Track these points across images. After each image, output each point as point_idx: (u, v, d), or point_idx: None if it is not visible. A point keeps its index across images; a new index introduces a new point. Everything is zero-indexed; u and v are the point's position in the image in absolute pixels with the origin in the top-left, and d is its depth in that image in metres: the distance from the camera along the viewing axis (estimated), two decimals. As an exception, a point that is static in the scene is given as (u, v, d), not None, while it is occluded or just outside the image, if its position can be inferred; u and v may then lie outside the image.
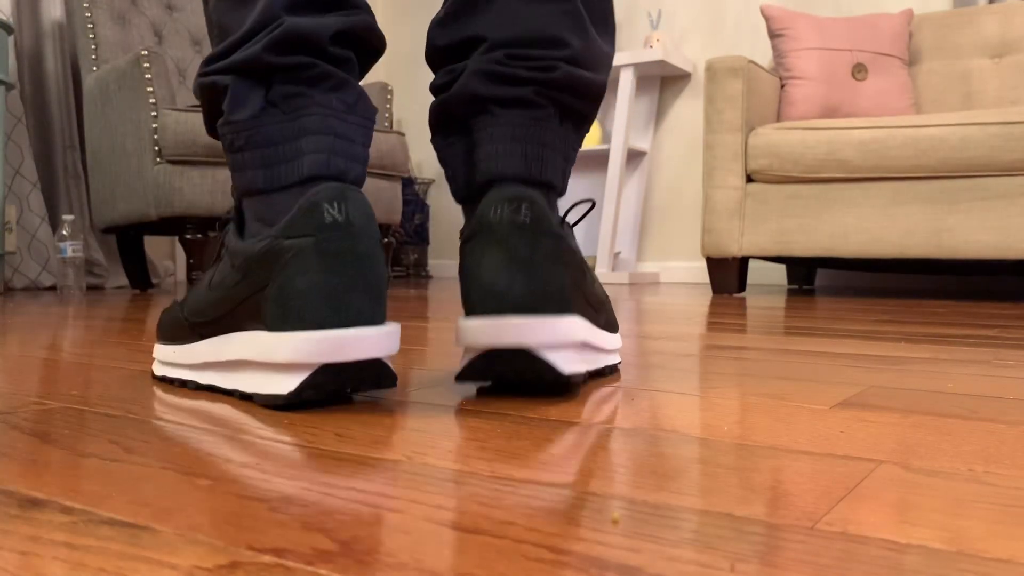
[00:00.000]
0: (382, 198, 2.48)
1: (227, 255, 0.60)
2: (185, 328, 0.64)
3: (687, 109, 3.29)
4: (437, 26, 0.67)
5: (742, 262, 2.35)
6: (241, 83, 0.57)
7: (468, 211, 0.66)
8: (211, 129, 0.64)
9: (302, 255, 0.52)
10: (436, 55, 0.67)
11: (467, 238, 0.60)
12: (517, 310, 0.57)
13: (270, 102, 0.57)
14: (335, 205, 0.53)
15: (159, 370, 0.68)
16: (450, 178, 0.66)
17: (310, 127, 0.56)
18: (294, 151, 0.56)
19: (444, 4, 0.67)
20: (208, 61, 0.59)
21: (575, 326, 0.59)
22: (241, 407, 0.56)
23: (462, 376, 0.61)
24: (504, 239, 0.57)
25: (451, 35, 0.66)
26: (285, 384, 0.54)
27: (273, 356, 0.53)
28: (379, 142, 2.40)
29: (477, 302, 0.58)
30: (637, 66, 3.17)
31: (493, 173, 0.61)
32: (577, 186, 3.58)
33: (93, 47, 2.51)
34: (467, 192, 0.65)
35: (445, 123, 0.66)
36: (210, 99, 0.60)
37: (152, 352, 0.81)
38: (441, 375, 0.72)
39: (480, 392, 0.63)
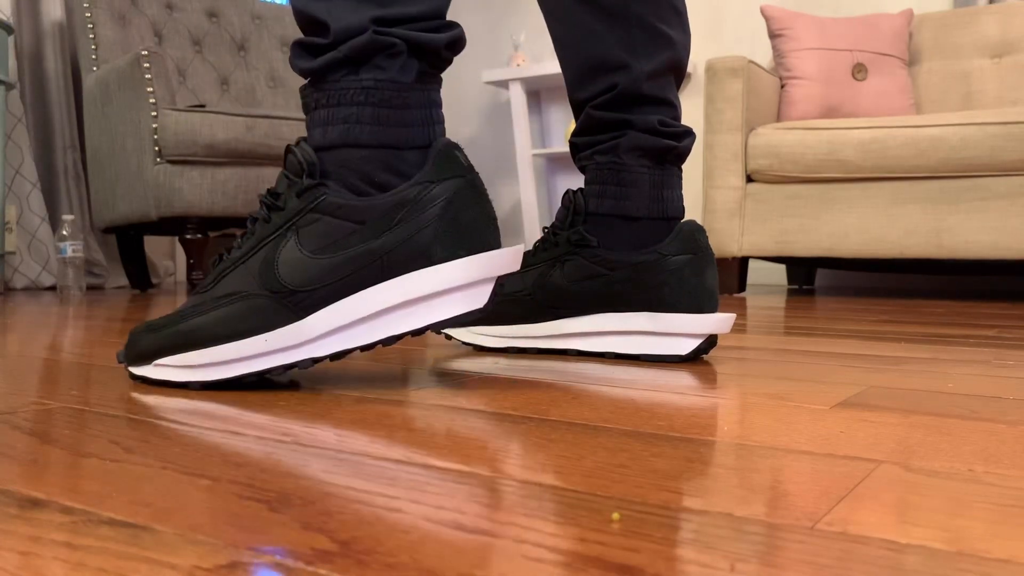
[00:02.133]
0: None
1: (331, 218, 0.61)
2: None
3: (687, 109, 3.29)
4: None
5: (742, 262, 2.35)
6: (412, 53, 0.64)
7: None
8: (329, 71, 0.64)
9: (461, 192, 0.62)
10: None
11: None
12: None
13: (420, 74, 0.65)
14: (461, 152, 0.64)
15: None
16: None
17: (437, 101, 0.66)
18: (428, 118, 0.65)
19: None
20: (384, 22, 0.63)
21: None
22: (240, 407, 0.56)
23: None
24: None
25: None
26: (475, 301, 0.62)
27: (465, 279, 0.61)
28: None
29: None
30: (637, 66, 3.16)
31: None
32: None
33: (93, 47, 2.51)
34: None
35: None
36: (371, 51, 0.63)
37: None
38: (441, 375, 0.72)
39: (480, 392, 0.63)
